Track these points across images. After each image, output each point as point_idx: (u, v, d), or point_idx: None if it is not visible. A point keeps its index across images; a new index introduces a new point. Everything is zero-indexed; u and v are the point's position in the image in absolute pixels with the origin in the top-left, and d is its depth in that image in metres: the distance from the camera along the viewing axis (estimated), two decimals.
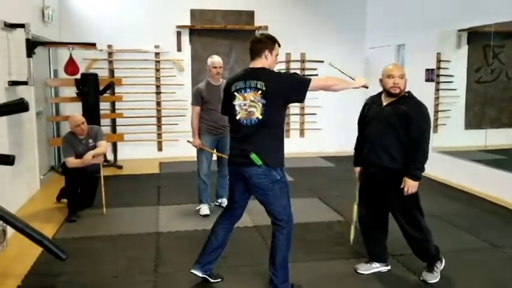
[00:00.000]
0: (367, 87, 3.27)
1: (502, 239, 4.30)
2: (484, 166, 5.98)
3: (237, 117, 3.05)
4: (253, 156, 2.99)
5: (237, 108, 3.04)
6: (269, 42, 3.09)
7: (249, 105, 2.99)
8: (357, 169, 3.63)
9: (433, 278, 3.40)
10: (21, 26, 5.21)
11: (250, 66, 3.12)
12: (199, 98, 4.89)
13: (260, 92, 2.95)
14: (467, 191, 6.00)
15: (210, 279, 3.36)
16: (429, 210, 5.20)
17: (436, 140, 6.92)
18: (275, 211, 3.13)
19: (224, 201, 5.21)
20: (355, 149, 3.66)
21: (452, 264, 3.72)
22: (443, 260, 3.48)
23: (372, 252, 3.63)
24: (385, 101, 3.35)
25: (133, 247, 4.10)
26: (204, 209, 5.00)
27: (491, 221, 4.91)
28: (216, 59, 4.90)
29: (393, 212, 3.40)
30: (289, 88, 3.00)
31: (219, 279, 3.40)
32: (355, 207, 3.66)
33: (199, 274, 3.33)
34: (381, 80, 3.38)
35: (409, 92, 3.37)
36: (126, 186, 6.30)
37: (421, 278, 3.44)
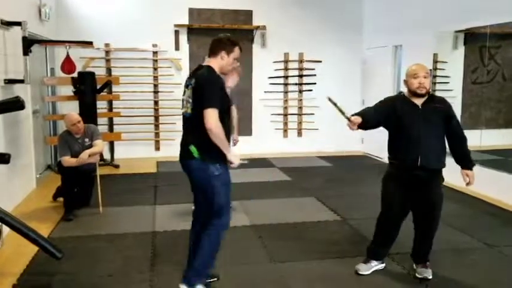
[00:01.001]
0: (231, 163, 3.07)
1: (497, 239, 4.31)
2: (480, 166, 5.96)
3: (182, 110, 3.14)
4: (192, 148, 3.02)
5: (184, 101, 3.12)
6: (228, 43, 3.11)
7: (187, 100, 3.07)
8: (356, 118, 3.29)
9: (430, 273, 3.45)
10: (18, 24, 5.20)
11: (203, 63, 3.15)
12: None
13: (192, 88, 3.03)
14: (463, 191, 6.01)
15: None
16: None
17: None
18: (211, 209, 3.10)
19: None
20: (362, 113, 3.39)
21: (448, 264, 3.74)
22: None
23: (377, 251, 3.58)
24: (418, 102, 3.30)
25: (130, 246, 4.09)
26: None
27: (487, 221, 4.93)
28: None
29: (428, 210, 3.41)
30: (201, 95, 2.97)
31: (215, 279, 3.39)
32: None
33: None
34: (405, 81, 3.35)
35: (432, 92, 3.43)
36: (123, 186, 6.29)
37: (419, 276, 3.44)
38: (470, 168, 3.35)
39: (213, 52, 3.11)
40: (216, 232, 3.13)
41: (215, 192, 3.07)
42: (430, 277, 3.42)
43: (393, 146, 3.44)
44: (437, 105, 3.29)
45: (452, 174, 5.26)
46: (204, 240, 3.12)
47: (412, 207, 3.46)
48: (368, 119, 3.34)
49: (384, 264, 3.63)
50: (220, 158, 3.02)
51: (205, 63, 3.13)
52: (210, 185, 3.06)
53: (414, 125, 3.28)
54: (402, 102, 3.37)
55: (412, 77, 3.27)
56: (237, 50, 3.14)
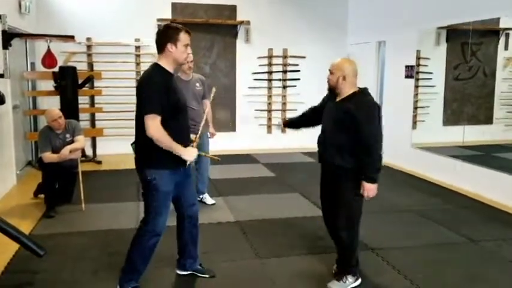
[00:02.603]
0: (189, 161, 2.96)
1: (479, 233, 4.38)
2: (462, 162, 6.08)
3: None
4: (132, 146, 2.98)
5: None
6: (171, 32, 2.88)
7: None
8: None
9: (339, 287, 3.24)
10: None
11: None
12: None
13: (136, 88, 2.93)
14: (445, 187, 6.11)
15: (197, 274, 3.39)
16: (407, 205, 5.30)
17: (415, 136, 7.04)
18: (144, 210, 3.05)
19: (205, 197, 5.19)
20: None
21: (429, 259, 3.79)
22: (359, 280, 3.30)
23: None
24: (337, 98, 3.19)
25: (114, 243, 4.04)
26: None
27: (469, 215, 5.00)
28: None
29: (337, 209, 3.21)
30: (141, 98, 2.85)
31: (207, 275, 3.39)
32: None
33: (183, 272, 3.39)
34: None
35: (363, 89, 3.16)
36: (105, 182, 6.22)
37: (327, 286, 3.26)
38: (368, 180, 3.04)
39: (159, 48, 2.91)
40: (141, 235, 3.04)
41: (145, 196, 3.00)
42: None
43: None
44: (348, 105, 3.05)
45: (433, 169, 5.35)
46: (134, 240, 3.07)
47: None
48: (298, 119, 3.64)
49: (359, 281, 3.33)
50: (154, 163, 2.90)
51: (155, 61, 2.97)
52: (143, 186, 2.99)
53: (325, 119, 3.25)
54: (330, 97, 3.30)
55: None
56: (183, 35, 2.88)
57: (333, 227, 3.27)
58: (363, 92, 3.16)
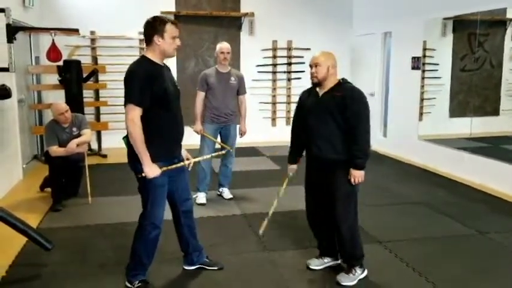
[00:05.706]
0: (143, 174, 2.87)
1: (487, 225, 4.36)
2: (469, 154, 6.05)
3: None
4: (124, 139, 2.95)
5: None
6: (157, 24, 2.84)
7: None
8: (292, 167, 3.55)
9: (348, 280, 3.21)
10: (2, 10, 5.05)
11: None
12: (204, 84, 4.82)
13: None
14: (452, 178, 6.07)
15: (205, 267, 3.40)
16: (414, 198, 5.28)
17: (421, 128, 7.00)
18: (142, 204, 3.03)
19: (225, 191, 5.17)
20: (290, 146, 3.52)
21: (437, 251, 3.77)
22: (365, 270, 3.29)
23: (323, 246, 3.47)
24: (320, 92, 3.18)
25: (120, 236, 4.05)
26: (201, 198, 4.95)
27: (476, 207, 4.97)
28: (224, 45, 4.83)
29: (330, 207, 3.20)
30: (125, 89, 2.85)
31: (215, 267, 3.40)
32: (275, 203, 3.67)
33: (192, 268, 3.39)
34: None
35: (343, 79, 3.22)
36: (111, 175, 6.22)
37: (336, 279, 3.23)
38: (354, 167, 3.06)
39: (146, 40, 2.89)
40: (141, 229, 3.04)
41: (140, 188, 2.99)
42: (345, 284, 3.19)
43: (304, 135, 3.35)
44: (336, 94, 3.09)
45: (440, 161, 5.25)
46: (135, 232, 3.08)
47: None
48: (300, 146, 3.43)
49: (339, 261, 3.44)
50: (150, 156, 2.85)
51: (143, 54, 2.97)
52: (137, 179, 2.97)
53: (310, 113, 3.21)
54: (309, 93, 3.30)
55: (309, 66, 3.19)
56: (169, 27, 2.86)
57: (331, 222, 3.24)
58: (346, 81, 3.21)
